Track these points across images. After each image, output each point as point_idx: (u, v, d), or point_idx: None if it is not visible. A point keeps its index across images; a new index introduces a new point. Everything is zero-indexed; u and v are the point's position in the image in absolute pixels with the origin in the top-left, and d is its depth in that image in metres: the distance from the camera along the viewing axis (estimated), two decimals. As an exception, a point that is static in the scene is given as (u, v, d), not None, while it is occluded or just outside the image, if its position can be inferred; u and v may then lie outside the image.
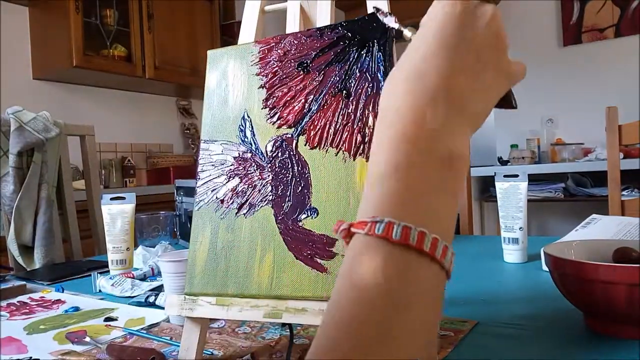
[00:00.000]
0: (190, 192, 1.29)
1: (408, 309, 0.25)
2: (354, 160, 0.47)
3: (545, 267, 0.82)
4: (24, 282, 0.95)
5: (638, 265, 0.48)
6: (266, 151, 0.52)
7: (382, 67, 0.48)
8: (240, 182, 0.53)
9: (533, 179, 2.79)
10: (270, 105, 0.53)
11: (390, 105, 0.31)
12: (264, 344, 0.58)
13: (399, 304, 0.25)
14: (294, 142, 0.51)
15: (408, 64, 0.31)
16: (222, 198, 0.53)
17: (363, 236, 0.27)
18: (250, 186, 0.52)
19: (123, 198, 1.05)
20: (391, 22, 0.47)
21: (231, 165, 0.54)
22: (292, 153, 0.51)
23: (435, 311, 0.27)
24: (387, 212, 0.27)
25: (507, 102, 0.38)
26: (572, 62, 3.18)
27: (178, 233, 1.37)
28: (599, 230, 0.84)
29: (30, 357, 0.57)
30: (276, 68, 0.54)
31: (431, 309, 0.26)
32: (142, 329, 0.66)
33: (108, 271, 1.02)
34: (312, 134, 0.50)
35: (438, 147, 0.28)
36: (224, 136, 0.55)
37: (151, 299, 0.77)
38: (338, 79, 0.50)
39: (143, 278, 0.95)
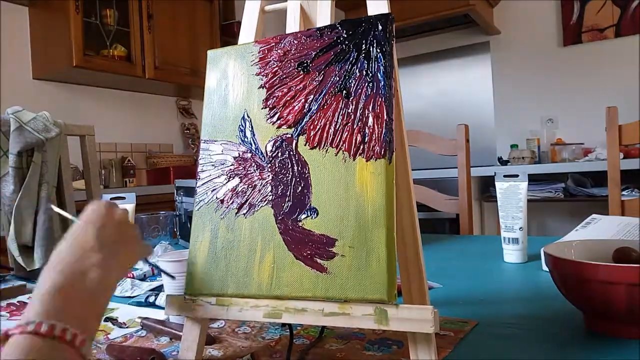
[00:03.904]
0: (190, 192, 1.29)
1: None
2: (353, 160, 0.47)
3: (545, 267, 0.82)
4: (24, 282, 0.95)
5: (638, 265, 0.48)
6: (266, 151, 0.52)
7: (382, 67, 0.48)
8: (240, 182, 0.53)
9: (533, 179, 2.79)
10: (270, 105, 0.53)
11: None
12: (264, 344, 0.58)
13: None
14: (294, 142, 0.51)
15: (78, 250, 0.47)
16: (222, 198, 0.53)
17: (18, 336, 0.37)
18: (250, 186, 0.52)
19: (123, 198, 1.05)
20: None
21: (231, 165, 0.54)
22: (292, 153, 0.51)
23: None
24: (40, 317, 0.38)
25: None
26: (572, 62, 3.18)
27: (178, 233, 1.37)
28: (599, 230, 0.84)
29: (30, 357, 0.57)
30: (276, 68, 0.54)
31: None
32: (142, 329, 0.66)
33: (108, 271, 1.02)
34: (312, 134, 0.50)
35: (86, 279, 0.43)
36: (224, 136, 0.55)
37: (151, 299, 0.77)
38: (338, 79, 0.50)
39: (143, 278, 0.95)
